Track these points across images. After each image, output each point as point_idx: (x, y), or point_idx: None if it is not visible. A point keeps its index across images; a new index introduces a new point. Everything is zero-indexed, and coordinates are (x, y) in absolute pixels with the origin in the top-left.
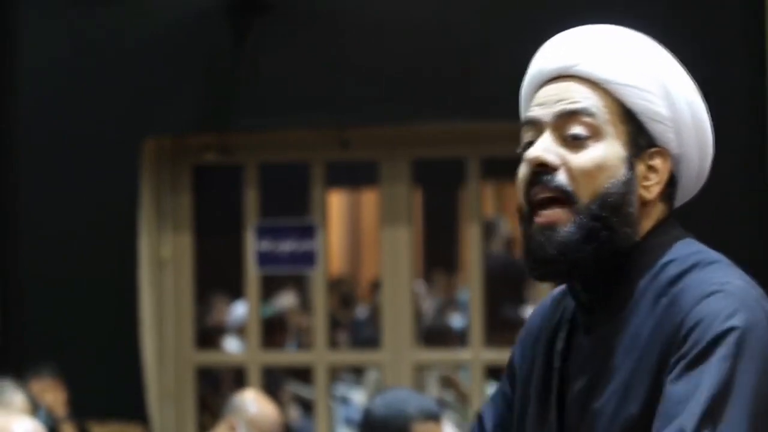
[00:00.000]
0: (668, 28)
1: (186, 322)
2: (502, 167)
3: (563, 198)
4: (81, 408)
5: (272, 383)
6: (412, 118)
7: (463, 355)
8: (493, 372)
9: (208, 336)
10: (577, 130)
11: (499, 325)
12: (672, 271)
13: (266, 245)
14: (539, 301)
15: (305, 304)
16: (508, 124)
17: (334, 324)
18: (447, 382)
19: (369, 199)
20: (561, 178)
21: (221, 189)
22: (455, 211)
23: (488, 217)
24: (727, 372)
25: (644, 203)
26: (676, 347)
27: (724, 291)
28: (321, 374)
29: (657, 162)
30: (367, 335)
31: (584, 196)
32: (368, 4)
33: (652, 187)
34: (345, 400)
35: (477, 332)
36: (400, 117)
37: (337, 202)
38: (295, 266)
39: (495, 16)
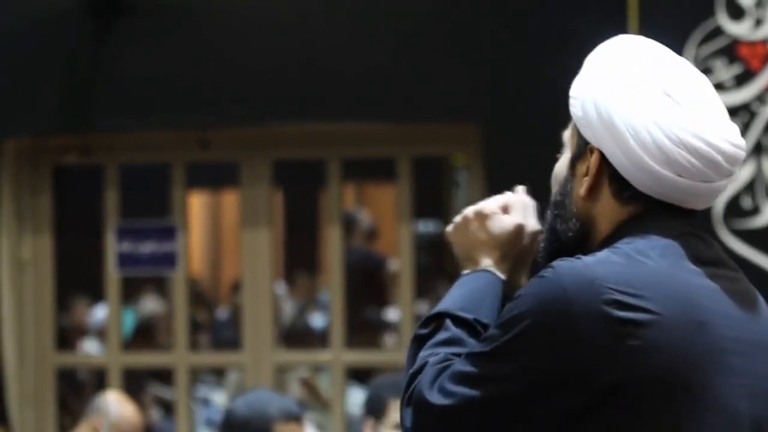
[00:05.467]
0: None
1: (46, 324)
2: (363, 168)
3: None
4: None
5: (133, 385)
6: (273, 119)
7: (323, 356)
8: (353, 373)
9: (69, 338)
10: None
11: (360, 326)
12: None
13: (126, 247)
14: (401, 304)
15: (166, 306)
16: (369, 125)
17: (195, 325)
18: (304, 384)
19: (230, 200)
20: None
21: (81, 190)
22: (316, 213)
23: (347, 210)
24: None
25: (584, 199)
26: None
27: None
28: (182, 376)
29: (590, 159)
30: (227, 337)
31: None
32: (229, 6)
33: (584, 183)
34: (206, 402)
35: (338, 333)
36: (260, 118)
37: (197, 204)
38: (156, 267)
39: (357, 18)
